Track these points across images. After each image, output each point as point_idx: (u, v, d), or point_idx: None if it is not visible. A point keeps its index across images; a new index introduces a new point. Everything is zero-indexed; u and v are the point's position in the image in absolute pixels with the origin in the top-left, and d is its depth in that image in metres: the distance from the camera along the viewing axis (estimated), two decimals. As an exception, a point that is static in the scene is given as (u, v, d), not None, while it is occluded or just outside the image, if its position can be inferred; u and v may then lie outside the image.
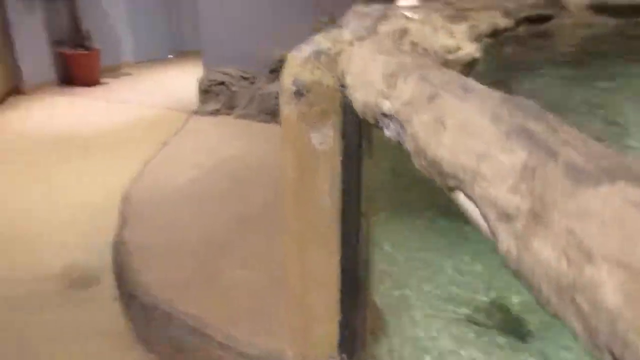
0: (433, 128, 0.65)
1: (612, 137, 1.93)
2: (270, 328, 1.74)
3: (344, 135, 1.20)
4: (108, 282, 2.35)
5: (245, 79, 4.56)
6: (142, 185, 3.10)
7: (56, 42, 6.24)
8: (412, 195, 1.43)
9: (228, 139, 4.14)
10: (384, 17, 1.43)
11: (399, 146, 0.82)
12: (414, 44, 1.30)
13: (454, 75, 0.78)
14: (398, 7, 1.69)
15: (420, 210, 1.46)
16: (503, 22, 1.97)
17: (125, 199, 2.86)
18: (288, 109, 1.20)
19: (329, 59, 1.17)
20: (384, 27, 1.34)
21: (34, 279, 2.43)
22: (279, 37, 4.31)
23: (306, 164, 1.24)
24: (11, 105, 5.43)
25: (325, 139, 1.21)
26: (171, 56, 8.16)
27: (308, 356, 1.48)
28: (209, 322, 1.81)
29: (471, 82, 0.73)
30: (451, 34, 1.53)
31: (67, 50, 6.30)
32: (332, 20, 3.78)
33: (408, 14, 1.55)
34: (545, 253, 0.42)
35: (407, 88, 0.77)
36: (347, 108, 1.15)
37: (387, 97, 0.83)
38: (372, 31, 1.26)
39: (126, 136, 4.56)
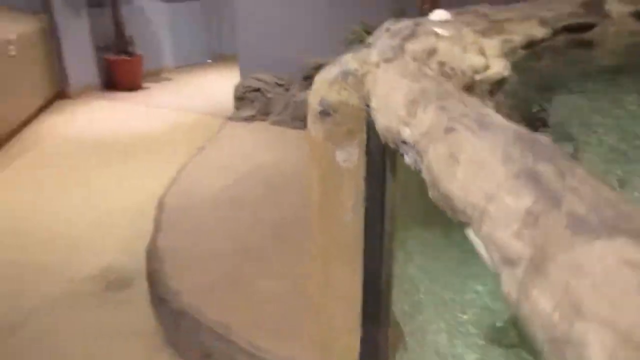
0: (447, 162, 0.66)
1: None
2: (294, 338, 1.77)
3: (368, 153, 1.21)
4: (143, 285, 2.43)
5: (279, 85, 4.62)
6: (176, 190, 3.19)
7: (100, 48, 6.47)
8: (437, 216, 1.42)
9: (262, 145, 4.20)
10: (412, 34, 1.44)
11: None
12: (441, 64, 1.31)
13: (473, 106, 0.78)
14: (429, 22, 1.68)
15: (446, 230, 1.46)
16: (540, 32, 1.93)
17: (160, 205, 2.95)
18: (314, 128, 1.23)
19: (356, 80, 1.19)
20: (412, 46, 1.34)
21: (73, 280, 2.53)
22: (313, 45, 4.36)
23: (331, 181, 1.26)
24: (57, 109, 5.66)
25: (350, 157, 1.22)
26: (210, 61, 8.33)
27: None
28: (235, 330, 1.85)
29: (489, 114, 0.74)
30: (481, 51, 1.52)
31: (111, 56, 6.52)
32: (365, 28, 3.80)
33: (438, 30, 1.54)
34: (541, 303, 0.43)
35: (426, 118, 0.78)
36: (371, 127, 1.17)
37: (407, 125, 0.84)
38: (400, 51, 1.27)
39: (165, 140, 4.69)
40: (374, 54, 1.24)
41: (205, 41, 8.29)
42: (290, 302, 2.03)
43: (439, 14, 1.92)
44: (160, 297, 2.14)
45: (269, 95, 4.62)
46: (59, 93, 5.97)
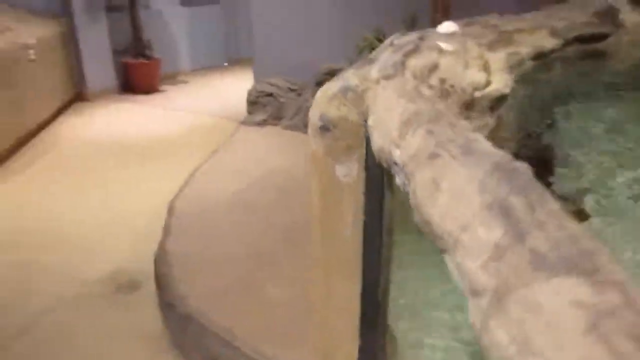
0: (430, 188, 0.68)
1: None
2: (300, 346, 1.79)
3: (367, 169, 1.23)
4: (152, 288, 2.48)
5: (292, 90, 4.66)
6: (188, 194, 3.24)
7: (118, 52, 6.58)
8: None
9: (275, 149, 4.24)
10: (415, 50, 1.45)
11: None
12: (442, 81, 1.32)
13: (462, 130, 0.80)
14: (435, 35, 1.69)
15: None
16: (550, 43, 1.92)
17: (171, 209, 3.00)
18: (315, 142, 1.25)
19: (356, 96, 1.21)
20: (414, 62, 1.36)
21: (85, 281, 2.59)
22: (327, 51, 4.39)
23: (331, 195, 1.28)
24: (75, 112, 5.78)
25: (350, 172, 1.25)
26: (226, 64, 8.41)
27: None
28: (241, 336, 1.88)
29: (476, 139, 0.76)
30: (485, 66, 1.53)
31: (129, 59, 6.63)
32: (377, 36, 3.80)
33: (442, 44, 1.56)
34: (499, 336, 0.44)
35: (414, 141, 0.80)
36: (370, 143, 1.19)
37: (398, 147, 0.86)
38: (401, 67, 1.29)
39: (182, 143, 4.75)
40: (374, 70, 1.26)
41: (223, 45, 8.37)
42: (299, 308, 2.05)
43: (446, 26, 1.93)
44: (167, 301, 2.18)
45: (282, 100, 4.66)
46: (77, 96, 6.09)
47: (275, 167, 3.80)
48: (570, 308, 0.40)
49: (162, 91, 6.84)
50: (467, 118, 1.36)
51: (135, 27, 6.64)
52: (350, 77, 1.25)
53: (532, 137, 2.04)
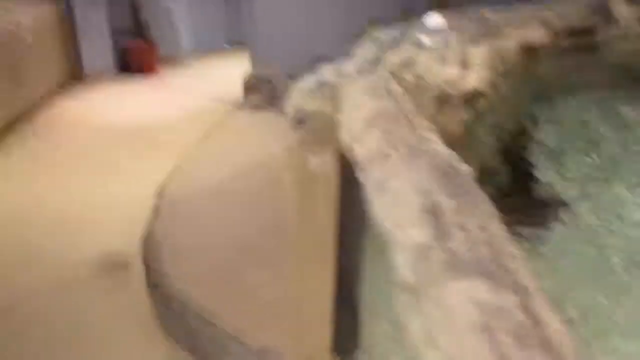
0: (377, 187, 0.72)
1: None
2: (277, 326, 1.84)
3: (340, 159, 1.27)
4: (141, 269, 2.52)
5: (288, 77, 4.66)
6: (179, 178, 3.27)
7: (116, 32, 6.55)
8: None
9: (267, 135, 4.26)
10: (394, 44, 1.47)
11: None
12: (417, 77, 1.35)
13: (417, 130, 0.83)
14: (419, 28, 1.70)
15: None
16: (539, 36, 1.93)
17: (160, 193, 3.03)
18: (290, 134, 1.29)
19: (330, 90, 1.24)
20: (391, 57, 1.39)
21: (74, 263, 2.64)
22: (322, 38, 4.38)
23: (306, 185, 1.32)
24: (71, 93, 5.77)
25: (323, 163, 1.28)
26: (227, 46, 8.36)
27: (305, 355, 1.57)
28: (220, 315, 1.93)
29: (429, 140, 0.79)
30: (463, 62, 1.55)
31: (127, 41, 6.61)
32: (375, 27, 3.80)
33: (424, 39, 1.57)
34: (415, 327, 0.49)
35: (371, 140, 0.83)
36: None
37: (358, 144, 0.90)
38: (377, 62, 1.32)
39: (176, 126, 4.74)
40: (350, 65, 1.29)
41: (223, 26, 8.31)
42: (279, 292, 2.09)
43: (433, 19, 1.93)
44: (153, 282, 2.23)
45: (277, 85, 4.67)
46: (75, 77, 6.09)
47: (266, 154, 3.82)
48: (467, 306, 0.44)
49: (161, 73, 6.82)
50: (441, 113, 1.39)
51: (134, 8, 6.60)
52: (325, 72, 1.28)
53: (515, 133, 2.05)
